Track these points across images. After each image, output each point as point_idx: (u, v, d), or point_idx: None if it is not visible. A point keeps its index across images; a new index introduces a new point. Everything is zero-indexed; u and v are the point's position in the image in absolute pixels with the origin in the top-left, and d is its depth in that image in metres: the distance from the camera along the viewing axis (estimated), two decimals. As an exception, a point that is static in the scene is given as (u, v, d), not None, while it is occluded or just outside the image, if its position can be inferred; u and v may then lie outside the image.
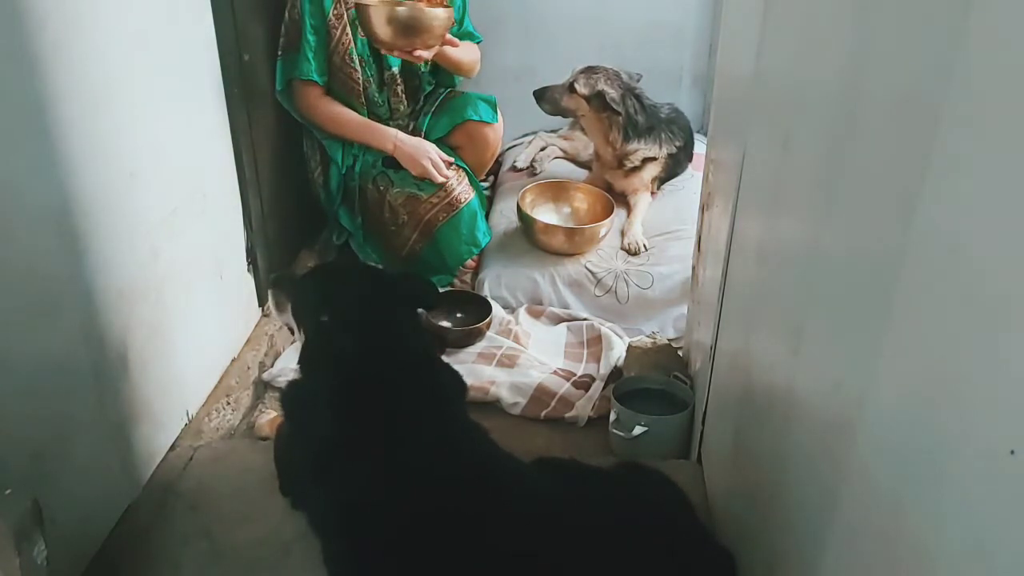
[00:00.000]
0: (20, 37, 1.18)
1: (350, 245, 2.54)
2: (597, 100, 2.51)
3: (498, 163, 2.95)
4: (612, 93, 2.49)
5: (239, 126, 1.97)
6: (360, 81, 2.35)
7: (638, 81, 2.60)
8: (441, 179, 2.36)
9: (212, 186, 1.86)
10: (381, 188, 2.40)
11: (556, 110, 2.62)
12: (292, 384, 1.43)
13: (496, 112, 2.52)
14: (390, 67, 2.40)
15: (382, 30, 2.20)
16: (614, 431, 1.74)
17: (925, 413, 0.64)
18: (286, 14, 2.26)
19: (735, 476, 1.33)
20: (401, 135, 2.38)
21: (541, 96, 2.60)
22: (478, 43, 2.55)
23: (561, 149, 2.97)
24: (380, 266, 2.48)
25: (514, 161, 2.92)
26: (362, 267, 2.20)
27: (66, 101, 1.27)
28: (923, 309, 0.65)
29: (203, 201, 1.79)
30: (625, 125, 2.52)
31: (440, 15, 2.23)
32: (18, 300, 1.19)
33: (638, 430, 1.68)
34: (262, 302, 2.19)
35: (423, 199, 2.38)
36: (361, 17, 2.21)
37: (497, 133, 2.53)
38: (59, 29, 1.25)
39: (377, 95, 2.40)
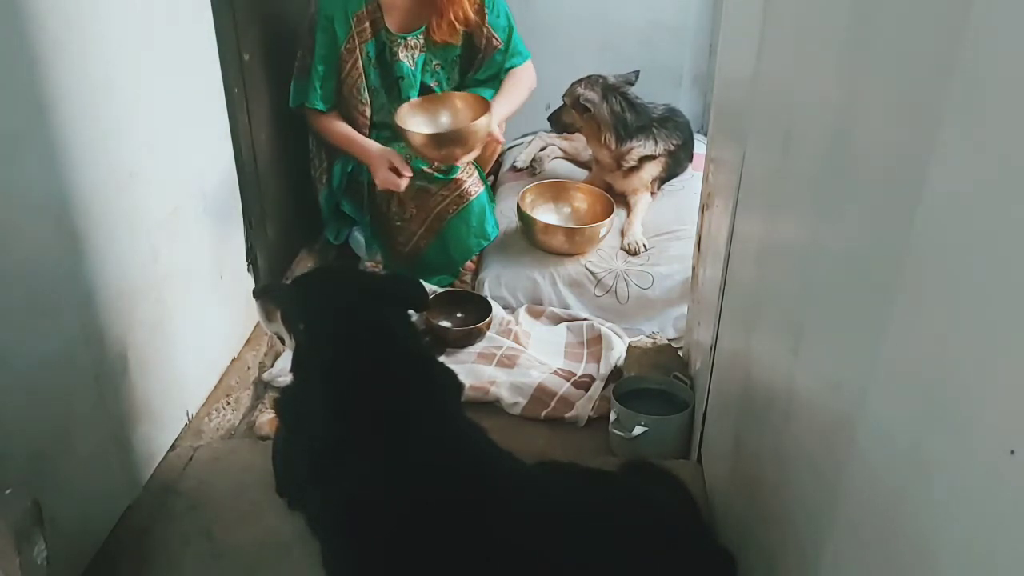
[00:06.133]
0: (20, 37, 1.18)
1: (349, 245, 2.55)
2: (579, 105, 2.55)
3: (498, 163, 2.95)
4: (587, 94, 2.53)
5: (239, 126, 1.97)
6: (368, 115, 2.38)
7: (635, 80, 2.61)
8: (403, 181, 2.27)
9: (212, 186, 1.86)
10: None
11: (562, 127, 2.74)
12: (287, 389, 1.43)
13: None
14: (408, 97, 2.42)
15: (421, 149, 2.21)
16: (614, 431, 1.74)
17: (925, 412, 0.64)
18: (306, 37, 2.30)
19: (735, 476, 1.33)
20: (368, 150, 2.32)
21: (550, 120, 2.72)
22: (527, 60, 2.53)
23: (561, 149, 2.97)
24: (380, 263, 2.49)
25: (514, 161, 2.92)
26: (352, 270, 2.20)
27: (66, 101, 1.27)
28: (923, 308, 0.65)
29: (203, 201, 1.80)
30: (615, 124, 2.53)
31: (479, 129, 2.20)
32: (18, 300, 1.19)
33: (638, 430, 1.68)
34: (262, 302, 2.19)
35: (433, 192, 2.38)
36: (401, 134, 2.23)
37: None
38: (59, 29, 1.25)
39: (388, 118, 2.41)
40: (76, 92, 1.30)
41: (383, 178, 2.28)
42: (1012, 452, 0.51)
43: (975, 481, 0.57)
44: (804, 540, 0.93)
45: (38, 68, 1.21)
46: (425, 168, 2.36)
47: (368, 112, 2.37)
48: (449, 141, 2.21)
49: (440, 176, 2.36)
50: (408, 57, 2.38)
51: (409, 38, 2.36)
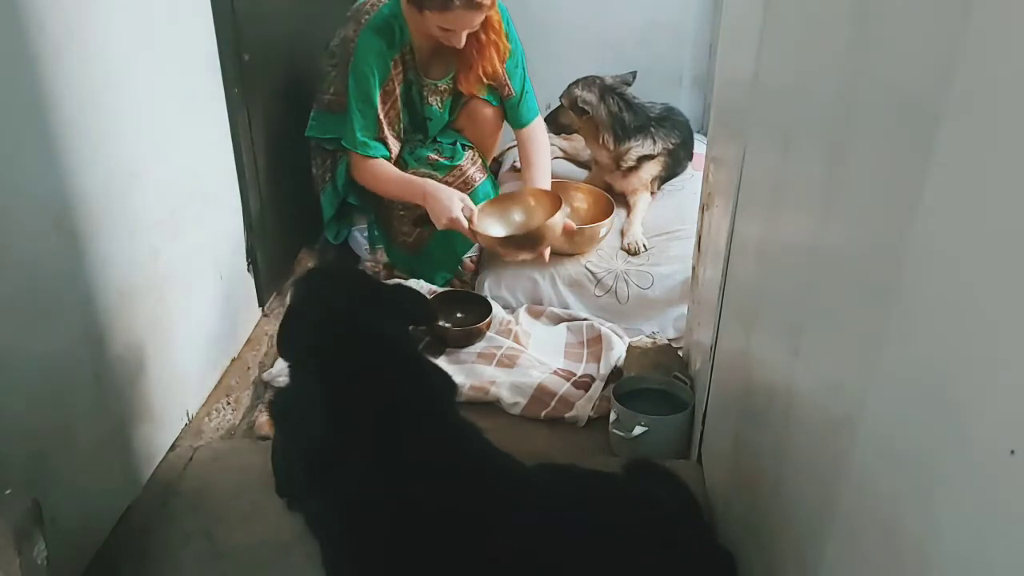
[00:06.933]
0: (20, 38, 1.18)
1: (349, 245, 2.55)
2: (577, 107, 2.55)
3: (498, 163, 2.95)
4: (584, 95, 2.53)
5: (239, 126, 1.97)
6: (393, 154, 2.37)
7: (632, 81, 2.61)
8: (467, 231, 2.24)
9: (212, 186, 1.86)
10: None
11: (560, 128, 2.73)
12: (281, 391, 1.44)
13: (497, 97, 2.51)
14: (434, 136, 2.44)
15: (498, 249, 2.22)
16: (614, 431, 1.74)
17: (925, 413, 0.64)
18: (328, 68, 2.29)
19: (735, 476, 1.33)
20: (429, 187, 2.29)
21: (547, 120, 2.70)
22: (537, 116, 2.53)
23: (561, 149, 2.97)
24: (381, 262, 2.49)
25: (514, 161, 2.92)
26: (354, 272, 2.20)
27: (66, 101, 1.27)
28: (923, 309, 0.65)
29: (203, 201, 1.80)
30: (613, 125, 2.53)
31: (555, 226, 2.19)
32: (18, 300, 1.19)
33: (638, 430, 1.68)
34: (262, 302, 2.19)
35: (438, 179, 2.38)
36: (478, 238, 2.22)
37: (496, 114, 2.52)
38: (59, 30, 1.25)
39: (412, 159, 2.42)
40: (76, 92, 1.30)
41: (455, 218, 2.20)
42: (1012, 452, 0.52)
43: (975, 481, 0.57)
44: (804, 540, 0.93)
45: (38, 68, 1.21)
46: (430, 155, 2.37)
47: (394, 152, 2.37)
48: (527, 241, 2.20)
49: (445, 163, 2.37)
50: (437, 101, 2.41)
51: (440, 83, 2.38)
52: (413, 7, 2.18)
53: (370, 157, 2.30)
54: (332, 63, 2.32)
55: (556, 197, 2.29)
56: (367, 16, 2.27)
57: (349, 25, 2.29)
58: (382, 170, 2.33)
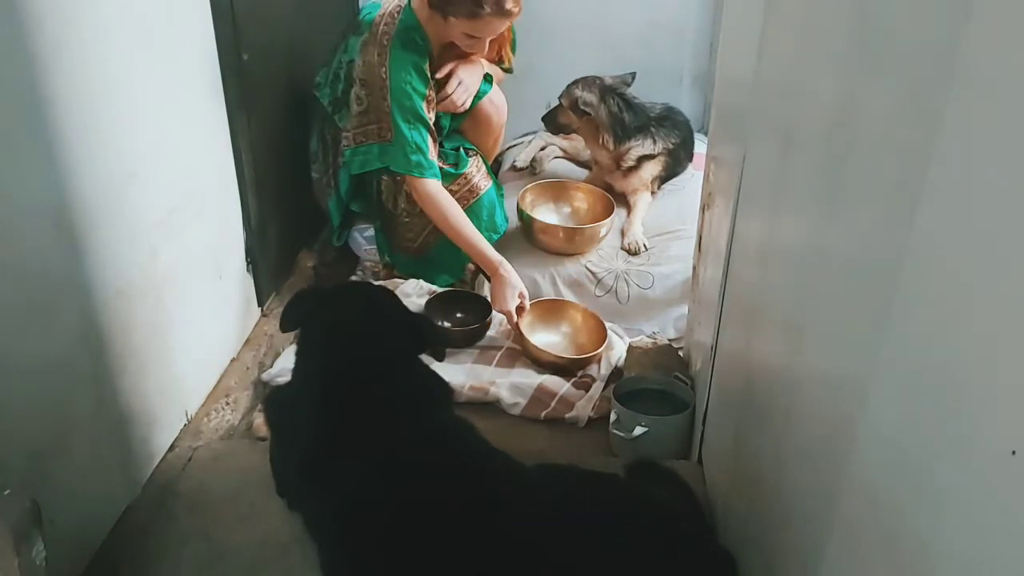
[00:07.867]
0: (19, 37, 1.17)
1: (348, 245, 2.54)
2: (576, 108, 2.55)
3: (498, 163, 2.95)
4: (585, 96, 2.52)
5: (239, 126, 1.97)
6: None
7: (632, 81, 2.61)
8: (515, 328, 2.18)
9: (211, 186, 1.86)
10: (398, 178, 2.35)
11: (558, 128, 2.72)
12: (277, 390, 1.44)
13: (491, 83, 2.49)
14: (441, 142, 2.45)
15: (539, 358, 2.13)
16: (614, 431, 1.73)
17: (926, 413, 0.64)
18: (361, 101, 2.23)
19: (736, 476, 1.32)
20: (504, 268, 2.22)
21: (544, 120, 2.69)
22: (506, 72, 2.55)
23: (561, 148, 2.97)
24: (382, 265, 2.49)
25: (514, 161, 2.92)
26: (361, 285, 2.19)
27: (65, 101, 1.27)
28: (924, 308, 0.65)
29: (202, 201, 1.79)
30: (612, 125, 2.53)
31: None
32: (17, 300, 1.19)
33: (638, 431, 1.68)
34: (261, 302, 2.19)
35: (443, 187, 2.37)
36: (524, 342, 2.14)
37: (494, 104, 2.51)
38: (58, 29, 1.25)
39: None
40: (74, 92, 1.30)
41: (507, 309, 2.16)
42: (1013, 453, 0.51)
43: (976, 482, 0.57)
44: (804, 540, 0.93)
45: (36, 68, 1.21)
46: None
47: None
48: (567, 367, 2.12)
49: (450, 171, 2.37)
50: None
51: None
52: (437, 14, 2.16)
53: (427, 178, 2.25)
54: (364, 93, 2.23)
55: (603, 327, 2.18)
56: (387, 36, 2.20)
57: (370, 49, 2.20)
58: (456, 215, 2.26)
